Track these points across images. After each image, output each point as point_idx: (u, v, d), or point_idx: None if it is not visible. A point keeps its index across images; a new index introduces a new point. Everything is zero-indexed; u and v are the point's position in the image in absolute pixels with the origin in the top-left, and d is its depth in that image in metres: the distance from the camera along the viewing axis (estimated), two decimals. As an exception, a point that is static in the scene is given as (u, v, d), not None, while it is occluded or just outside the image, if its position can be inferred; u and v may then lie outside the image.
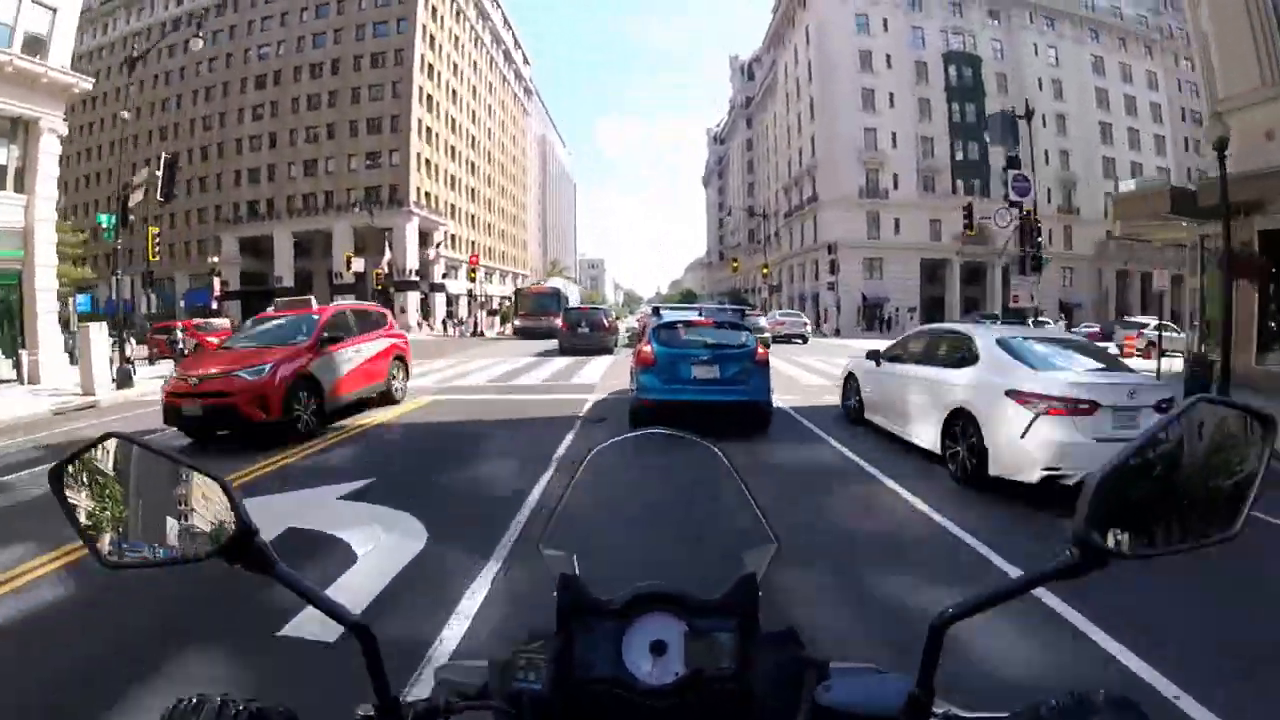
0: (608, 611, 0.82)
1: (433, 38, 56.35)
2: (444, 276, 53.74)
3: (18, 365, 15.58)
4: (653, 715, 0.78)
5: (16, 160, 16.11)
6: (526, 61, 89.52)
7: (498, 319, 50.99)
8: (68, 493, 0.74)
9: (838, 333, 42.80)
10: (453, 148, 61.11)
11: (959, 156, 53.50)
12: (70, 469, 0.75)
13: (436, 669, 0.86)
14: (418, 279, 48.79)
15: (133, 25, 65.32)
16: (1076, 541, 0.62)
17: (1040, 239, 17.14)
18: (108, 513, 0.75)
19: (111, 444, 0.76)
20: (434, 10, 56.67)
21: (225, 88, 58.66)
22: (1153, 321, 29.80)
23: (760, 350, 8.43)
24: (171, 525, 0.75)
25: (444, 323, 48.24)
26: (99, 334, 13.25)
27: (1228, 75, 13.92)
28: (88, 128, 60.64)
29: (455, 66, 62.36)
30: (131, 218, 15.71)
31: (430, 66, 55.77)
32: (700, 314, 10.10)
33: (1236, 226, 11.76)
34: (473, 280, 45.66)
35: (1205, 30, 15.01)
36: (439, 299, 52.99)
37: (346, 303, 13.04)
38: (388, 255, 43.04)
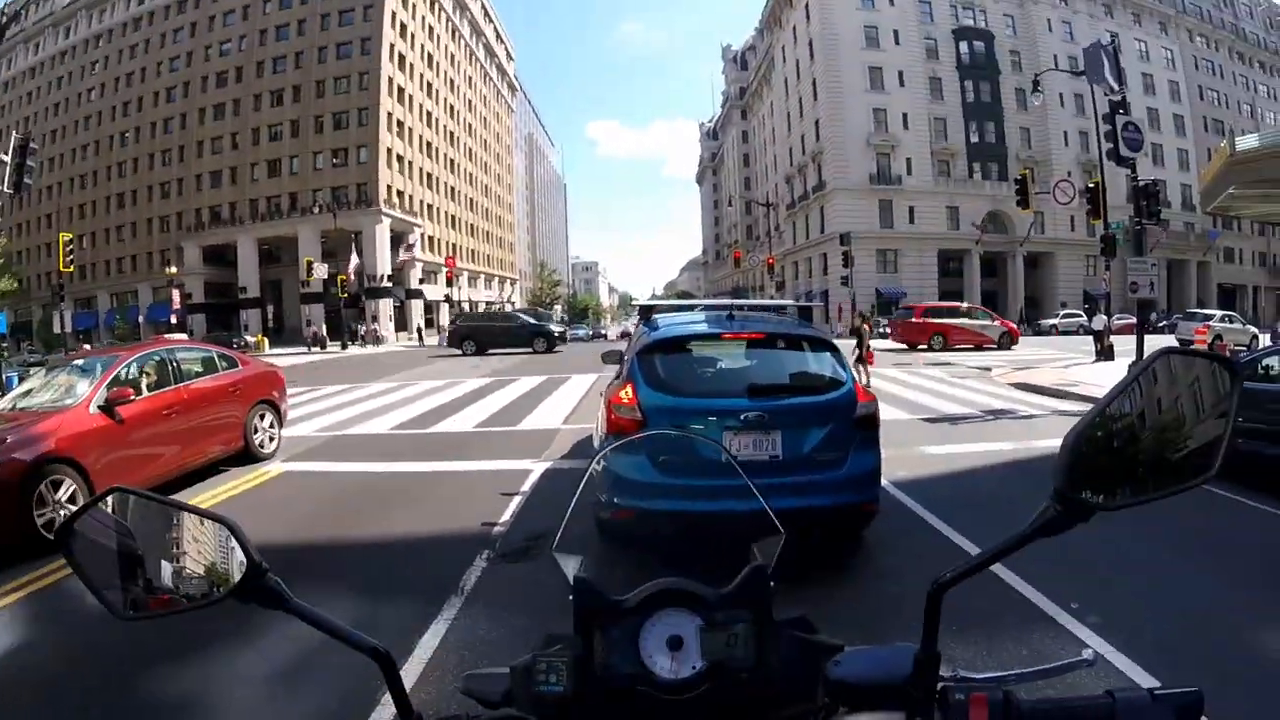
0: (623, 611, 0.83)
1: (403, 26, 52.73)
2: (421, 282, 49.96)
3: None
4: (675, 709, 0.79)
5: None
6: (510, 57, 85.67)
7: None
8: (76, 549, 0.74)
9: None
10: (428, 143, 57.34)
11: (974, 139, 50.26)
12: (77, 525, 0.75)
13: (463, 677, 0.86)
14: (390, 285, 44.80)
15: (94, 28, 61.75)
16: (1058, 497, 0.64)
17: (1160, 207, 13.20)
18: (118, 565, 0.75)
19: (114, 497, 0.76)
20: (403, -3, 52.99)
21: (185, 88, 55.39)
22: (1218, 314, 26.64)
23: (861, 394, 4.15)
24: (182, 571, 0.75)
25: (419, 331, 44.21)
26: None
27: None
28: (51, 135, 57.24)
29: (430, 57, 58.61)
30: None
31: (401, 56, 52.14)
32: (731, 316, 4.74)
33: None
34: (451, 285, 41.88)
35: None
36: (416, 306, 49.19)
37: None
38: (355, 260, 39.21)
